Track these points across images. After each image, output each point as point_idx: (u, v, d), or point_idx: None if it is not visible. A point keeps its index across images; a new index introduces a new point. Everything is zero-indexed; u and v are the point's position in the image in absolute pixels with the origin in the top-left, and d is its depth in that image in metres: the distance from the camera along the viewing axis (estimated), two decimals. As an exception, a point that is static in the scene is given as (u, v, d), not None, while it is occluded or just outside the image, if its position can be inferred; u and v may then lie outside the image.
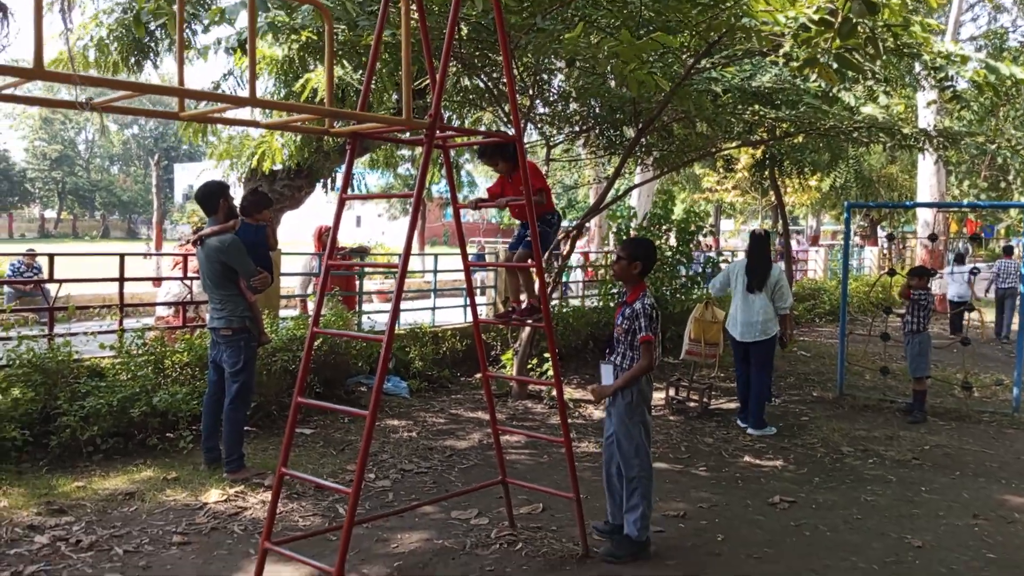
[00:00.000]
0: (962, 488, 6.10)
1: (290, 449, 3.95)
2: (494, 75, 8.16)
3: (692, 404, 8.49)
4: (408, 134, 4.77)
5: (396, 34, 6.08)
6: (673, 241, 11.83)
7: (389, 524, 4.97)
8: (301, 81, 6.64)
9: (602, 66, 6.39)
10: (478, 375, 9.21)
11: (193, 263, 8.36)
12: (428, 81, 5.39)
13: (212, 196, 5.70)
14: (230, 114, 3.30)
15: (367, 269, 13.69)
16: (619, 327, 4.63)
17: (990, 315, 16.09)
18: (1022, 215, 25.17)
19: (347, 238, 18.70)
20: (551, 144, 10.11)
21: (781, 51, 5.74)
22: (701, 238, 13.46)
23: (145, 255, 19.12)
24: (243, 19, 6.56)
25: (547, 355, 8.24)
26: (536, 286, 4.83)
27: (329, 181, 9.84)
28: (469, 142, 8.83)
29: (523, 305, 5.17)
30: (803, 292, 17.79)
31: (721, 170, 16.90)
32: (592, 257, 15.28)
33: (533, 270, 4.86)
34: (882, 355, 10.87)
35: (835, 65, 4.68)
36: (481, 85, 8.56)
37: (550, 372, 8.21)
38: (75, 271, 9.32)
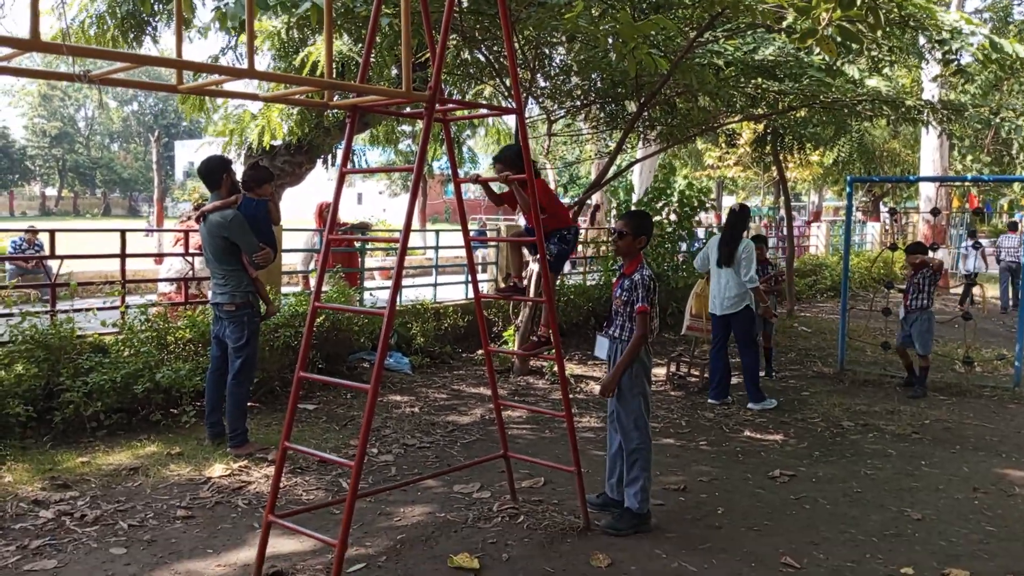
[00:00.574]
0: (962, 462, 6.12)
1: (293, 424, 3.97)
2: (495, 48, 8.11)
3: (693, 379, 8.51)
4: (409, 108, 4.75)
5: (396, 7, 6.03)
6: (674, 216, 11.80)
7: (392, 498, 5.00)
8: (302, 55, 6.60)
9: (602, 44, 6.35)
10: (480, 351, 9.22)
11: (194, 239, 8.35)
12: (428, 54, 5.36)
13: (215, 171, 5.70)
14: (229, 87, 3.28)
15: (368, 245, 13.68)
16: (618, 299, 4.64)
17: (992, 290, 16.11)
18: (1025, 190, 25.08)
19: (349, 215, 18.66)
20: (552, 119, 10.06)
21: (784, 23, 5.69)
22: (704, 214, 13.44)
23: (146, 232, 19.13)
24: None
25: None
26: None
27: (329, 157, 9.82)
28: (470, 115, 8.80)
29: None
30: (804, 268, 17.78)
31: (723, 145, 16.83)
32: (593, 234, 15.25)
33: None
34: (883, 330, 10.88)
35: (838, 38, 4.65)
36: (482, 59, 8.51)
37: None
38: (76, 248, 9.31)
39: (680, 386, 8.40)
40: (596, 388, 8.29)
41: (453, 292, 11.18)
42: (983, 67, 8.29)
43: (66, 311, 6.63)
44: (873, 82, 7.71)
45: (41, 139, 68.17)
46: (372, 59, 6.71)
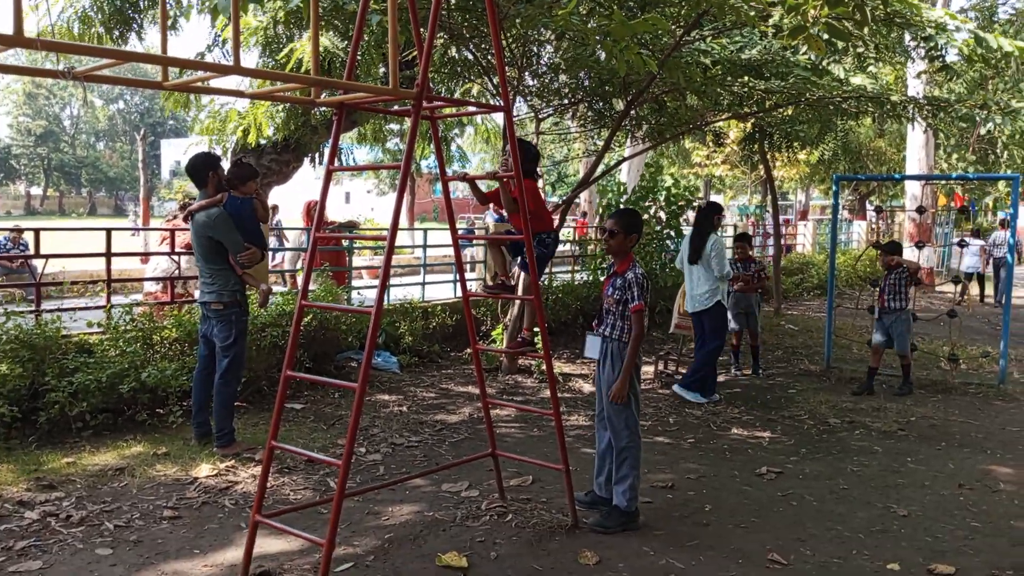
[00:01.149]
0: (947, 458, 6.16)
1: (280, 423, 3.95)
2: (482, 46, 8.10)
3: (680, 378, 8.52)
4: (396, 106, 4.73)
5: (383, 3, 6.01)
6: (662, 215, 11.82)
7: (380, 497, 4.99)
8: (286, 51, 6.57)
9: (592, 42, 6.35)
10: (468, 350, 9.21)
11: (180, 239, 8.31)
12: (416, 52, 5.34)
13: (200, 169, 5.67)
14: (215, 83, 3.27)
15: (356, 244, 13.65)
16: (609, 298, 4.64)
17: (974, 288, 16.39)
18: (1009, 188, 25.23)
19: (337, 214, 18.62)
20: (540, 117, 10.05)
21: (770, 21, 5.70)
22: (692, 213, 13.45)
23: (133, 231, 19.02)
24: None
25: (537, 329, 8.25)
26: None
27: (317, 156, 9.78)
28: (458, 113, 8.79)
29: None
30: (791, 266, 17.86)
31: (711, 144, 16.86)
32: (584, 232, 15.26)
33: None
34: (869, 328, 10.91)
35: (825, 36, 4.67)
36: (470, 57, 8.49)
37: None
38: (62, 248, 9.25)
39: (668, 384, 8.42)
40: (584, 386, 8.30)
41: (441, 291, 11.16)
42: (968, 66, 8.33)
43: (51, 311, 6.59)
44: (858, 80, 7.74)
45: (26, 138, 67.63)
46: (359, 57, 6.68)
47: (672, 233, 11.89)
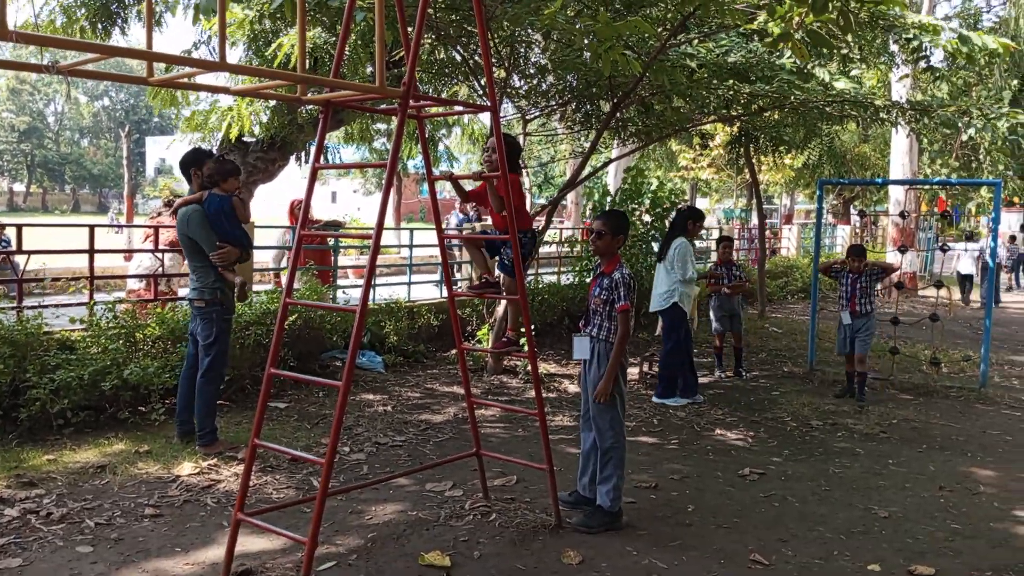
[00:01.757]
0: (928, 461, 6.21)
1: (263, 421, 3.93)
2: (470, 47, 8.10)
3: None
4: (384, 105, 4.73)
5: (371, 1, 6.00)
6: (647, 217, 11.85)
7: (363, 496, 4.98)
8: (274, 47, 6.54)
9: (578, 42, 6.37)
10: (453, 350, 9.21)
11: (164, 236, 8.27)
12: (403, 52, 5.34)
13: (184, 166, 5.70)
14: (200, 79, 3.25)
15: (342, 243, 13.61)
16: (596, 298, 4.65)
17: (957, 293, 16.59)
18: (992, 194, 25.50)
19: (323, 214, 18.58)
20: (527, 118, 10.06)
21: (755, 23, 5.73)
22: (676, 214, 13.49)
23: (117, 227, 18.88)
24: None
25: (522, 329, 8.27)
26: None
27: (303, 154, 9.75)
28: (445, 112, 8.78)
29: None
30: (776, 270, 17.96)
31: (697, 147, 16.92)
32: (568, 234, 15.28)
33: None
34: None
35: (808, 41, 4.70)
36: (457, 57, 8.49)
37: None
38: (45, 245, 9.17)
39: (652, 385, 8.44)
40: (570, 387, 8.31)
41: (427, 291, 11.14)
42: (953, 71, 8.40)
43: (33, 307, 6.53)
44: (842, 84, 7.79)
45: (9, 134, 67.04)
46: (346, 56, 6.67)
47: (657, 235, 11.92)
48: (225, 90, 3.55)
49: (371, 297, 8.84)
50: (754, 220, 18.79)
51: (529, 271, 10.36)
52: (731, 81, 8.24)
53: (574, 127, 10.79)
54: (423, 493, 5.11)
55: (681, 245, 7.72)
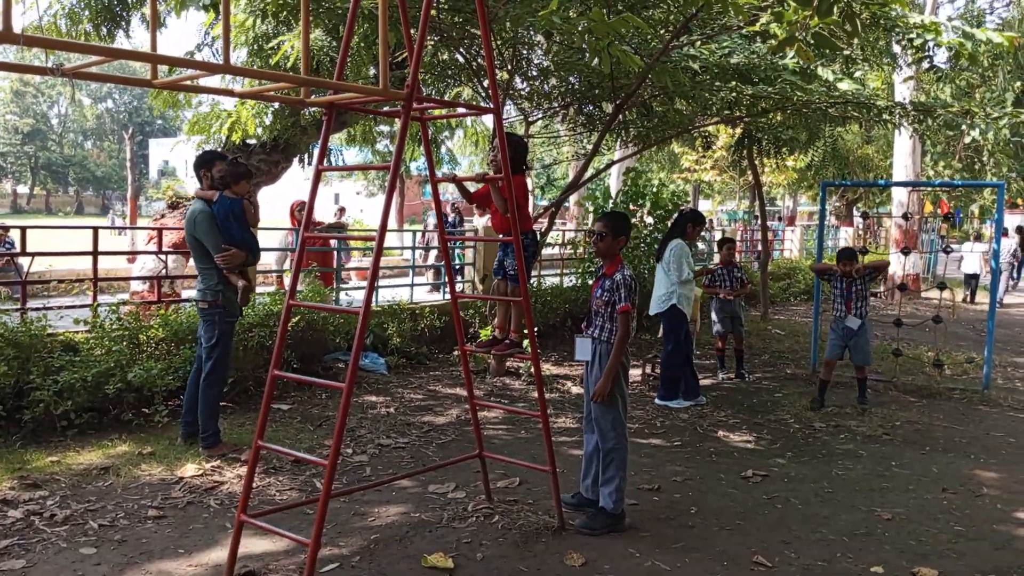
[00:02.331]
0: (931, 463, 6.20)
1: (267, 423, 3.94)
2: (472, 49, 8.11)
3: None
4: (387, 108, 4.73)
5: (374, 1, 6.01)
6: (649, 219, 11.86)
7: (366, 498, 4.98)
8: (273, 43, 6.53)
9: (578, 41, 6.37)
10: (456, 352, 9.21)
11: (167, 238, 8.29)
12: (406, 54, 5.35)
13: (196, 167, 5.72)
14: (204, 82, 3.26)
15: (345, 245, 13.63)
16: (598, 300, 4.65)
17: (960, 296, 16.60)
18: (995, 196, 25.47)
19: (329, 215, 18.64)
20: (530, 120, 10.08)
21: (758, 24, 5.73)
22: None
23: (120, 229, 18.91)
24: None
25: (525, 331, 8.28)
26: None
27: (306, 156, 9.77)
28: (448, 115, 8.80)
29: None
30: (778, 272, 17.97)
31: (700, 149, 16.92)
32: (569, 236, 15.29)
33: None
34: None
35: (812, 43, 4.70)
36: (460, 59, 8.51)
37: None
38: (48, 247, 9.20)
39: (655, 387, 8.43)
40: (573, 388, 8.31)
41: (430, 293, 11.15)
42: (956, 72, 8.40)
43: (37, 309, 6.55)
44: (845, 85, 7.79)
45: (13, 136, 67.16)
46: (348, 59, 6.68)
47: (659, 237, 11.92)
48: (229, 92, 3.56)
49: (374, 299, 8.84)
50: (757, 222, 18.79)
51: (532, 273, 10.37)
52: (734, 83, 8.24)
53: (576, 129, 10.80)
54: (426, 495, 5.11)
55: (677, 247, 7.72)
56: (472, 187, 4.98)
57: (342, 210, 19.72)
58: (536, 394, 4.91)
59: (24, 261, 8.83)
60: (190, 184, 5.75)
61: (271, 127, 7.81)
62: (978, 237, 18.22)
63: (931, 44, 6.38)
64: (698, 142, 14.37)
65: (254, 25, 6.57)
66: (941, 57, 6.90)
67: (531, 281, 7.13)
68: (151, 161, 68.02)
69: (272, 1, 6.40)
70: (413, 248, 11.58)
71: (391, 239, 20.92)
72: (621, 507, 4.64)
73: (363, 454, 5.90)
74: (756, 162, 14.08)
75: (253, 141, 8.65)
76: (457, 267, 11.38)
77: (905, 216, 10.49)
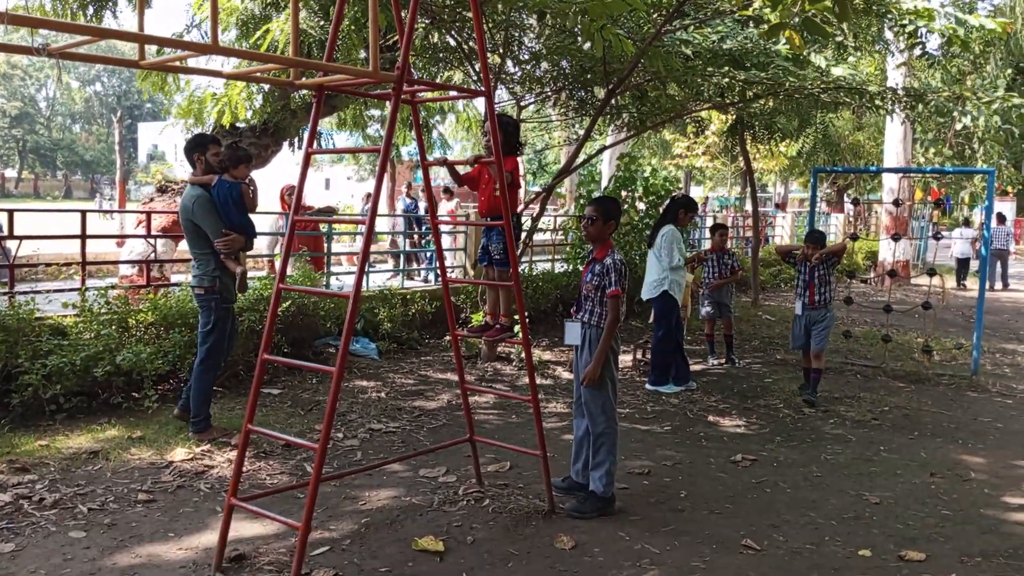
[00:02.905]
0: (920, 447, 6.24)
1: (256, 407, 3.93)
2: (464, 32, 8.06)
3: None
4: (377, 89, 4.70)
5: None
6: (642, 205, 11.84)
7: (357, 482, 4.99)
8: (260, 32, 6.47)
9: (571, 23, 6.33)
10: (447, 337, 9.20)
11: (156, 221, 8.23)
12: (396, 36, 5.30)
13: (188, 152, 5.63)
14: (192, 63, 3.23)
15: (335, 229, 13.58)
16: (588, 284, 4.65)
17: (952, 281, 16.67)
18: (985, 182, 25.54)
19: (318, 201, 18.52)
20: (521, 105, 10.03)
21: (751, 8, 5.71)
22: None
23: (108, 212, 18.80)
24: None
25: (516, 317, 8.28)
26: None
27: (296, 140, 9.71)
28: (439, 98, 8.75)
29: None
30: (769, 258, 17.99)
31: (691, 135, 16.90)
32: (561, 221, 15.27)
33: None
34: (844, 319, 11.03)
35: (803, 28, 4.69)
36: (451, 42, 8.45)
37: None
38: (36, 230, 9.14)
39: (646, 372, 8.45)
40: (564, 374, 8.32)
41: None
42: (948, 59, 8.39)
43: (25, 293, 6.50)
44: (839, 71, 7.77)
45: (0, 119, 66.58)
46: (338, 43, 6.63)
47: (651, 223, 11.91)
48: (218, 73, 3.52)
49: (364, 284, 8.82)
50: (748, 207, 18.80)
51: (523, 258, 10.36)
52: (726, 68, 8.22)
53: (568, 114, 10.76)
54: (417, 479, 5.12)
55: (668, 232, 7.72)
56: (463, 170, 4.96)
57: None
58: (527, 379, 4.91)
59: (12, 244, 8.78)
60: (179, 168, 5.69)
61: (261, 111, 7.75)
62: (967, 223, 18.30)
63: (923, 31, 6.37)
64: (690, 128, 14.35)
65: (243, 4, 6.50)
66: (934, 44, 6.89)
67: (521, 267, 7.13)
68: (140, 145, 67.54)
69: None
70: (405, 233, 11.56)
71: (382, 224, 20.86)
72: (611, 491, 4.66)
73: (354, 438, 5.90)
74: (747, 148, 14.07)
75: (243, 125, 8.59)
76: (427, 255, 11.33)
77: (896, 202, 10.49)
